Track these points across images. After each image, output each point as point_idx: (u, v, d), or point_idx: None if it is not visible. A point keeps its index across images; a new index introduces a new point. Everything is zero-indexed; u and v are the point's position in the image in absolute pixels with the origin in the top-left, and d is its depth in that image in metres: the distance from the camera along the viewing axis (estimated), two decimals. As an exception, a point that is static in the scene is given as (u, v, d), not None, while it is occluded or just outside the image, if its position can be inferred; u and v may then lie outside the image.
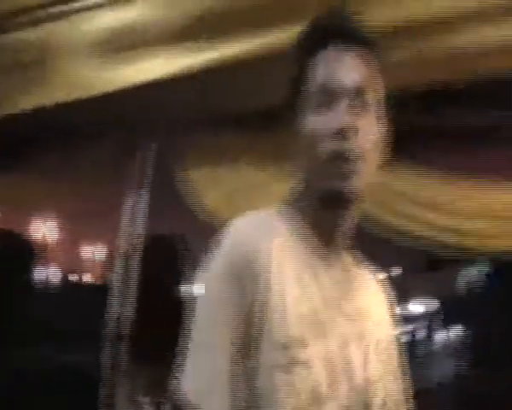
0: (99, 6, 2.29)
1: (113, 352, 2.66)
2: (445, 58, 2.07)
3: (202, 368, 1.09)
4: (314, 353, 1.10)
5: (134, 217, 2.74)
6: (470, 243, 2.57)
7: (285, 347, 1.08)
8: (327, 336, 1.13)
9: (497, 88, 2.36)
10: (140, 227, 2.73)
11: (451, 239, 2.62)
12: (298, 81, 1.20)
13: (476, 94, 2.40)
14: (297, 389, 1.08)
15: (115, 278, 2.72)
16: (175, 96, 2.37)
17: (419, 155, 2.62)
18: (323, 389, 1.10)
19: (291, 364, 1.08)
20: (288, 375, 1.08)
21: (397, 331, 1.30)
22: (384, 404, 1.20)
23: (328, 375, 1.11)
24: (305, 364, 1.09)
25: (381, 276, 1.34)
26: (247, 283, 1.08)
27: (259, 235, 1.14)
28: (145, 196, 2.72)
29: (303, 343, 1.10)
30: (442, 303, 7.71)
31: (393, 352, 1.26)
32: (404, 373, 1.26)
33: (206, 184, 2.77)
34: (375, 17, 1.86)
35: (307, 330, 1.11)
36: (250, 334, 1.08)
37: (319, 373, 1.10)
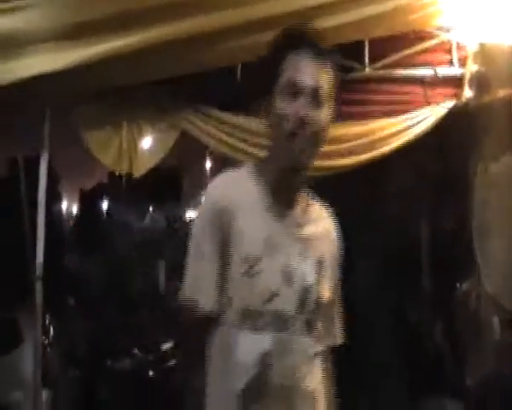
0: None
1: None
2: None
3: (196, 276, 1.70)
4: (266, 265, 1.66)
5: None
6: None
7: (245, 260, 1.66)
8: (277, 254, 1.68)
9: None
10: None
11: None
12: (272, 75, 1.67)
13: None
14: (255, 289, 1.65)
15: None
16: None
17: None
18: (272, 289, 1.65)
19: (250, 272, 1.65)
20: (249, 279, 1.65)
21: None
22: (316, 303, 1.73)
23: (275, 280, 1.67)
24: (259, 272, 1.65)
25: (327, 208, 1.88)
26: (223, 220, 1.67)
27: (230, 188, 1.72)
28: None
29: (258, 258, 1.66)
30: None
31: (334, 266, 1.83)
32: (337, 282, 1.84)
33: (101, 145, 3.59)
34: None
35: (262, 249, 1.67)
36: (225, 255, 1.67)
37: (269, 279, 1.66)
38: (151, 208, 9.48)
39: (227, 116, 3.63)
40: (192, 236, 1.72)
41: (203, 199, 1.74)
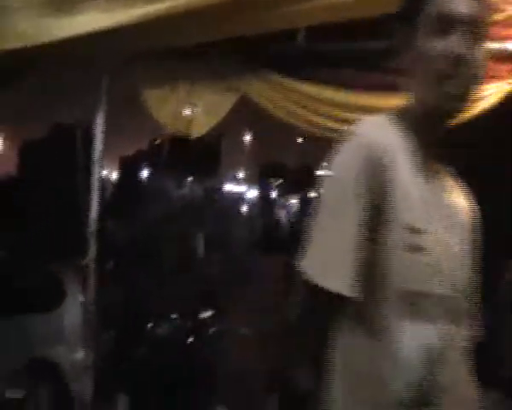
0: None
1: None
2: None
3: (328, 245, 1.30)
4: (429, 235, 1.32)
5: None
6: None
7: (411, 230, 1.29)
8: (435, 222, 1.35)
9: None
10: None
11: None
12: (415, 7, 1.35)
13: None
14: (418, 267, 1.29)
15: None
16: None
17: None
18: (437, 266, 1.32)
19: (415, 245, 1.29)
20: (412, 254, 1.29)
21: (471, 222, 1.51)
22: (468, 285, 1.41)
23: (438, 255, 1.33)
24: (424, 245, 1.30)
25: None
26: (376, 174, 1.28)
27: (381, 136, 1.34)
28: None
29: (423, 228, 1.31)
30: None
31: (471, 238, 1.47)
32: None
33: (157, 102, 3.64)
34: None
35: (423, 217, 1.32)
36: (377, 219, 1.28)
37: (434, 253, 1.32)
38: (190, 178, 9.53)
39: (287, 81, 3.59)
40: (325, 192, 1.34)
41: (346, 145, 1.34)
